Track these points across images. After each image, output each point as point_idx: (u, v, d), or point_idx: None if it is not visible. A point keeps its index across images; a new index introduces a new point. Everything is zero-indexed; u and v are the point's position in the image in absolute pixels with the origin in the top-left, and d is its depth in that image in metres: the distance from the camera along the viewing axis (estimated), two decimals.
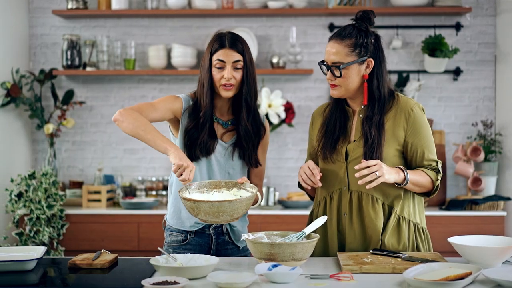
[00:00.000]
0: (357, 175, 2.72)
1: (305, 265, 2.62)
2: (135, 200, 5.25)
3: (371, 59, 2.87)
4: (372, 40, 2.88)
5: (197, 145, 2.96)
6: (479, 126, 5.52)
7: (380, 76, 2.89)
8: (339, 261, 2.65)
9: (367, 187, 2.72)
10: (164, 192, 5.44)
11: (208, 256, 2.56)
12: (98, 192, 5.28)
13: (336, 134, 2.94)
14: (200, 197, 2.75)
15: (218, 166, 3.02)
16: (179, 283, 2.26)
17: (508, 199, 5.18)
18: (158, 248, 2.69)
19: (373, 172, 2.69)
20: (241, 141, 3.03)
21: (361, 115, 2.92)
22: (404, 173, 2.78)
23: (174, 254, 2.60)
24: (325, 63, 2.88)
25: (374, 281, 2.39)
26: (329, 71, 2.86)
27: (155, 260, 2.49)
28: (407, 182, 2.78)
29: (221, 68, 2.95)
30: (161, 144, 2.77)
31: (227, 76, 2.94)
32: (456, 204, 5.11)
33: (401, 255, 2.68)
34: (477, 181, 5.21)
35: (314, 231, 2.78)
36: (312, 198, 3.13)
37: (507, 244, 2.64)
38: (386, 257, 2.67)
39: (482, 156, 5.22)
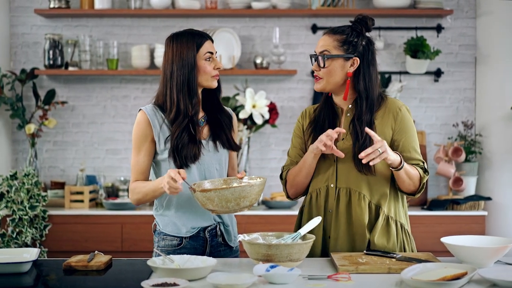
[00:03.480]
0: (362, 155, 2.73)
1: (300, 265, 2.63)
2: (118, 200, 5.22)
3: (357, 58, 2.92)
4: (363, 42, 2.94)
5: (187, 153, 2.94)
6: (459, 127, 5.58)
7: (368, 77, 2.93)
8: (333, 262, 2.67)
9: (371, 163, 2.73)
10: None
11: (205, 257, 2.56)
12: (80, 193, 5.25)
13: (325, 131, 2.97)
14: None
15: (205, 165, 3.01)
16: (179, 285, 2.26)
17: (489, 199, 5.25)
18: (155, 250, 2.69)
19: (376, 150, 2.72)
20: (221, 132, 3.07)
21: (348, 114, 2.96)
22: (401, 158, 2.82)
23: (171, 255, 2.60)
24: (312, 54, 2.97)
25: (371, 281, 2.41)
26: (316, 61, 2.94)
27: (152, 262, 2.49)
28: (402, 166, 2.81)
29: (210, 60, 3.00)
30: (157, 191, 2.90)
31: (219, 66, 3.01)
32: (437, 204, 5.17)
33: (395, 255, 2.70)
34: (458, 181, 5.27)
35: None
36: (289, 198, 3.14)
37: (498, 244, 2.67)
38: (380, 258, 2.70)
39: (463, 156, 5.28)
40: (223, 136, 3.07)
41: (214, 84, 3.02)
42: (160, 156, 3.00)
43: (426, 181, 3.01)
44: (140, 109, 3.02)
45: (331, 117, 3.00)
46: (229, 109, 3.18)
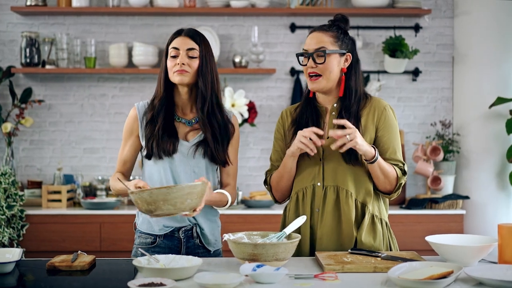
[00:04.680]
0: (331, 133, 2.74)
1: (285, 265, 2.62)
2: (96, 200, 5.18)
3: (350, 54, 2.94)
4: (349, 37, 2.97)
5: (158, 143, 2.94)
6: (437, 126, 5.61)
7: (357, 73, 2.97)
8: (318, 261, 2.67)
9: (341, 150, 2.75)
10: None
11: (190, 257, 2.54)
12: (58, 192, 5.19)
13: None
14: None
15: (182, 165, 2.98)
16: (165, 285, 2.24)
17: (467, 197, 5.29)
18: (140, 250, 2.66)
19: (345, 135, 2.72)
20: (206, 139, 2.99)
21: (333, 113, 2.95)
22: (375, 151, 2.81)
23: (156, 255, 2.57)
24: (302, 52, 2.92)
25: (357, 280, 2.40)
26: (311, 58, 2.88)
27: (138, 261, 2.46)
28: (375, 160, 2.80)
29: (176, 57, 2.96)
30: (124, 188, 2.90)
31: (180, 61, 2.94)
32: (416, 203, 5.19)
33: (380, 254, 2.70)
34: (436, 180, 5.30)
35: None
36: (275, 199, 3.12)
37: (481, 242, 2.68)
38: (365, 257, 2.69)
39: (441, 155, 5.31)
40: (208, 145, 2.98)
41: (176, 79, 2.95)
42: (144, 152, 3.05)
43: (404, 183, 3.01)
44: (135, 105, 3.09)
45: (314, 118, 2.98)
46: (231, 116, 3.10)
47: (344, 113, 2.91)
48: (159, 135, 2.94)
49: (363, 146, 2.76)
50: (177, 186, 2.53)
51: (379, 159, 2.82)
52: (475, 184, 5.38)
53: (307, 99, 3.02)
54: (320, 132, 2.80)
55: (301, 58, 2.95)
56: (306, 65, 2.91)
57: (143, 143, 3.01)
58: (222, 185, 3.12)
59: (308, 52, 2.90)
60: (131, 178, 4.93)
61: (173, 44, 2.97)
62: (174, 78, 2.96)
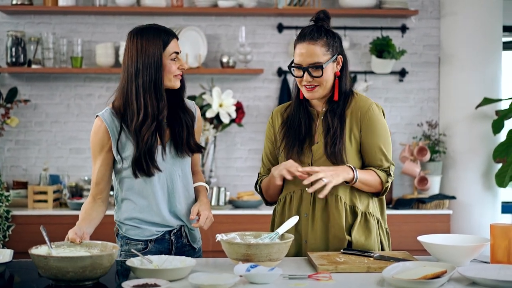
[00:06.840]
0: (305, 182, 2.73)
1: (278, 265, 2.61)
2: (83, 200, 5.15)
3: (341, 56, 2.90)
4: (336, 38, 2.91)
5: (147, 162, 2.78)
6: (424, 126, 5.63)
7: (347, 73, 2.94)
8: (311, 261, 2.66)
9: (320, 196, 2.73)
10: (111, 193, 5.34)
11: (184, 257, 2.52)
12: (44, 193, 5.16)
13: (302, 136, 2.93)
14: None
15: (167, 173, 2.87)
16: (160, 286, 2.23)
17: (453, 198, 5.31)
18: (132, 250, 2.64)
19: (320, 179, 2.70)
20: (183, 134, 2.87)
21: (322, 117, 2.93)
22: (353, 172, 2.79)
23: (149, 255, 2.55)
24: (295, 65, 2.86)
25: (351, 280, 2.40)
26: (306, 73, 2.83)
27: (131, 262, 2.44)
28: (356, 181, 2.80)
29: (176, 60, 2.83)
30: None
31: (186, 65, 2.85)
32: (403, 203, 5.21)
33: (372, 254, 2.70)
34: (423, 180, 5.32)
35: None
36: (266, 201, 3.10)
37: (472, 242, 2.69)
38: (358, 257, 2.69)
39: (428, 156, 5.34)
40: (186, 138, 2.88)
41: (177, 85, 2.85)
42: (119, 165, 2.86)
43: (391, 183, 2.99)
44: (97, 116, 2.83)
45: (307, 122, 2.95)
46: (191, 103, 3.01)
47: (329, 114, 2.89)
48: (149, 151, 2.79)
49: (339, 177, 2.75)
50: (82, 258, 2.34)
51: (359, 176, 2.80)
52: (462, 184, 5.40)
53: (300, 102, 2.98)
54: (297, 173, 2.78)
55: (295, 70, 2.87)
56: (300, 77, 2.85)
57: (118, 157, 2.83)
58: (192, 173, 3.04)
59: (302, 67, 2.84)
60: None
61: (174, 47, 2.81)
62: (175, 82, 2.84)
